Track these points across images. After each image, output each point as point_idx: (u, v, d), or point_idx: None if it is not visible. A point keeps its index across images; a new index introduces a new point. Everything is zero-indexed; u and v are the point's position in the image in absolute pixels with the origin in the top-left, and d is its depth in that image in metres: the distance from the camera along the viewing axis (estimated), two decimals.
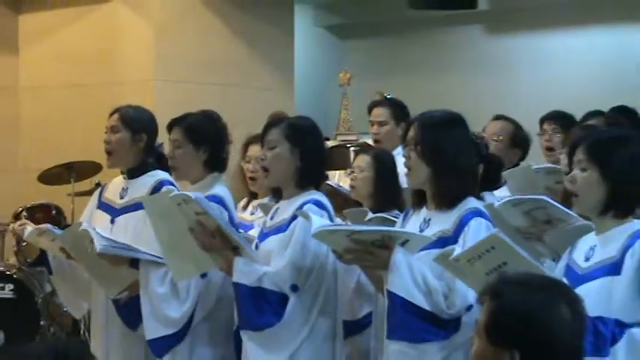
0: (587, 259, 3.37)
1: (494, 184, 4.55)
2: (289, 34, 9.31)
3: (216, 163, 4.48)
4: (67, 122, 8.83)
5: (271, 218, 4.12)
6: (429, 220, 3.72)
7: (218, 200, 4.30)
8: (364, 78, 9.16)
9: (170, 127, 4.53)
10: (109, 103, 5.10)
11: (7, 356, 1.97)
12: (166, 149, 4.68)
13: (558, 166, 4.85)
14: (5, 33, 9.29)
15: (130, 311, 4.48)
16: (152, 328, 4.33)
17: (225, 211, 4.29)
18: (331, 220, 4.01)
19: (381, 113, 5.72)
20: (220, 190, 4.38)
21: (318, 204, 3.99)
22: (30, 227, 4.63)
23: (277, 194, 4.22)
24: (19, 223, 4.87)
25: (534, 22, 9.00)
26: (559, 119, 5.68)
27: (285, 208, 4.03)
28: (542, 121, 5.80)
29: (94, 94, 8.56)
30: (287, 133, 4.05)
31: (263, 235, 4.12)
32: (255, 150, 5.12)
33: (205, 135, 4.45)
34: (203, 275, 4.28)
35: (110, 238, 4.41)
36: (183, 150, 4.45)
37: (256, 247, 4.10)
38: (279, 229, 4.02)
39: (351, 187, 4.83)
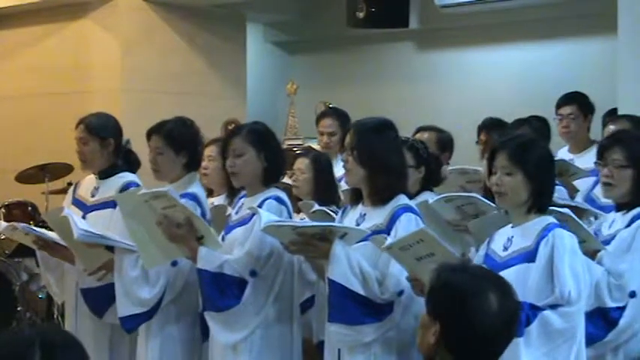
0: (505, 249, 3.40)
1: (436, 182, 4.53)
2: (242, 49, 9.31)
3: (193, 163, 4.43)
4: (41, 128, 8.75)
5: (236, 213, 4.10)
6: (365, 215, 3.74)
7: (193, 197, 4.26)
8: (309, 89, 9.16)
9: (149, 135, 4.41)
10: (80, 110, 5.06)
11: None
12: (133, 146, 4.63)
13: (470, 167, 4.87)
14: None
15: (96, 300, 4.46)
16: (124, 307, 4.28)
17: (198, 207, 4.24)
18: (289, 214, 4.01)
19: (329, 124, 5.68)
20: (196, 188, 4.34)
21: (279, 200, 3.99)
22: (4, 223, 4.58)
23: (232, 193, 4.21)
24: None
25: (458, 40, 9.07)
26: (495, 127, 5.63)
27: (249, 204, 4.00)
28: (480, 129, 5.68)
29: (66, 102, 8.48)
30: (251, 139, 4.02)
31: (229, 228, 4.10)
32: (209, 150, 5.09)
33: (183, 141, 4.37)
34: (174, 263, 4.25)
35: (86, 229, 4.35)
36: (165, 156, 4.35)
37: (222, 239, 4.08)
38: (242, 222, 4.01)
39: (294, 187, 4.83)
